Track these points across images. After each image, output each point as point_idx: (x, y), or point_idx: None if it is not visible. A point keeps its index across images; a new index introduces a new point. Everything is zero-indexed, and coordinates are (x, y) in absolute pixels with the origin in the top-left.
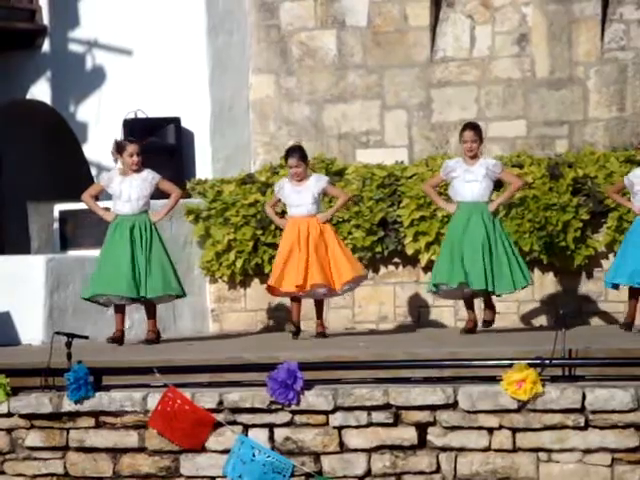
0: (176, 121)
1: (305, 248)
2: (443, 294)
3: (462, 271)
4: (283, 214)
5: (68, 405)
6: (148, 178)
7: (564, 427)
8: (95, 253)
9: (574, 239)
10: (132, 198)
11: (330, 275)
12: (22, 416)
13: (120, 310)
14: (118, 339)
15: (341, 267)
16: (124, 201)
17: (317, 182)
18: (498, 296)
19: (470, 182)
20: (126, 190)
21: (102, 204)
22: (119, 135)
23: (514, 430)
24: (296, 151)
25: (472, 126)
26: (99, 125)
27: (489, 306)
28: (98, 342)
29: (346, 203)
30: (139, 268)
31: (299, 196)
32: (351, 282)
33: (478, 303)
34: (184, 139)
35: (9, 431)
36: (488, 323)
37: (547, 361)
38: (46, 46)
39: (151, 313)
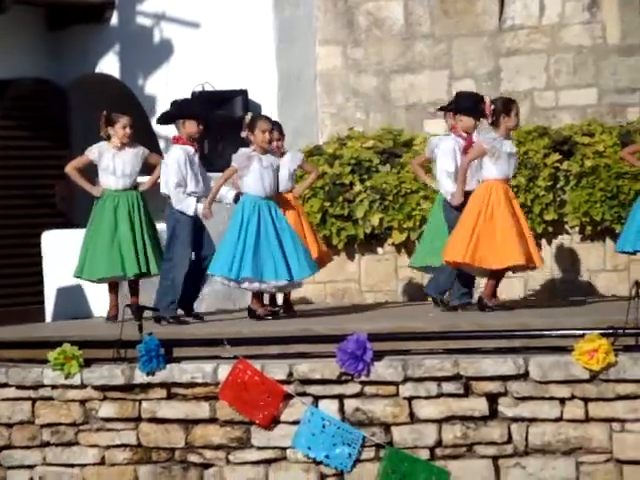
0: (243, 93)
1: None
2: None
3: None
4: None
5: (140, 377)
6: (139, 153)
7: (638, 397)
8: None
9: None
10: (125, 173)
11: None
12: (95, 387)
13: (114, 289)
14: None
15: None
16: (118, 176)
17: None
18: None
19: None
20: (119, 165)
21: None
22: None
23: (586, 400)
24: None
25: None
26: (167, 98)
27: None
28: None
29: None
30: (141, 244)
31: None
32: None
33: None
34: (252, 111)
35: (83, 402)
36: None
37: (620, 331)
38: (114, 20)
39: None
